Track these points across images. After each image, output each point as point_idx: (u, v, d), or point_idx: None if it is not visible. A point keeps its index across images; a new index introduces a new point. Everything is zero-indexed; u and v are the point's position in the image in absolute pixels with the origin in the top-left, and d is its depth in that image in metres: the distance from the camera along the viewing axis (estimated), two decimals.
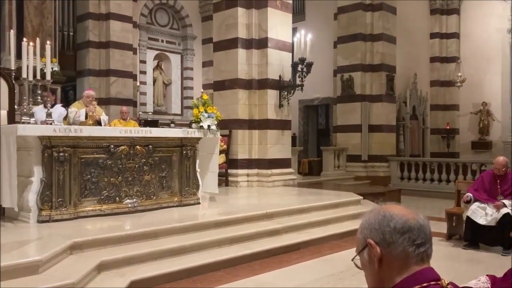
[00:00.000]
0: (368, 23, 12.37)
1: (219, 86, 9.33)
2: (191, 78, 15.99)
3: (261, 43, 8.97)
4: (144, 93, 14.64)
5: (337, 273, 4.43)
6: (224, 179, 8.65)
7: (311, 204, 6.65)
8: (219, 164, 7.18)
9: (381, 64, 12.30)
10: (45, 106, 5.26)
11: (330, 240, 5.81)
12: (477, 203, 5.64)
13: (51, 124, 5.00)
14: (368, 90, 12.39)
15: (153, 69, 15.28)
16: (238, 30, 8.86)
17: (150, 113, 13.92)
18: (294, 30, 10.32)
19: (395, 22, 12.75)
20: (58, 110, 6.96)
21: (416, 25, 15.14)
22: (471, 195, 5.66)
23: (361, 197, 7.54)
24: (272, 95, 9.00)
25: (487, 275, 2.11)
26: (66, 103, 10.64)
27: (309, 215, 6.29)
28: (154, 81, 15.31)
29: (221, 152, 8.04)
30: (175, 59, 15.82)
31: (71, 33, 12.42)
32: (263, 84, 8.95)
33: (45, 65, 9.05)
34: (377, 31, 12.32)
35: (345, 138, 12.55)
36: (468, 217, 5.64)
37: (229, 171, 8.80)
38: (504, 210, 5.39)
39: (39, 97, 7.31)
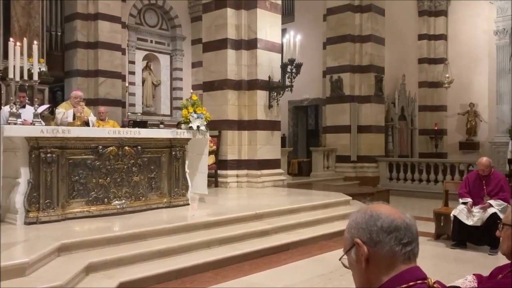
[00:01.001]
0: (357, 25, 12.44)
1: (208, 86, 9.31)
2: (181, 79, 15.97)
3: (251, 44, 8.97)
4: (133, 94, 14.58)
5: (327, 273, 4.45)
6: (213, 180, 8.63)
7: (301, 205, 6.66)
8: (208, 165, 7.17)
9: (370, 65, 12.38)
10: (10, 107, 5.17)
11: (320, 241, 5.83)
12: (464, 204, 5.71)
13: (37, 125, 4.95)
14: (357, 91, 12.45)
15: (142, 70, 15.22)
16: (227, 30, 8.85)
17: (139, 114, 13.84)
18: (284, 31, 10.34)
19: (383, 23, 12.83)
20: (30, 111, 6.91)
21: (405, 27, 15.26)
22: (470, 200, 5.66)
23: (350, 198, 7.57)
24: (261, 96, 9.00)
25: (473, 274, 2.14)
26: (54, 104, 10.56)
27: (298, 216, 6.31)
28: (143, 81, 15.26)
29: (210, 153, 8.02)
30: (164, 59, 15.77)
31: (59, 33, 12.32)
32: (253, 85, 8.95)
33: (32, 65, 9.14)
34: (366, 33, 12.39)
35: (334, 139, 12.60)
36: (455, 217, 5.69)
37: (219, 172, 8.78)
38: (491, 210, 5.46)
39: (22, 98, 7.25)
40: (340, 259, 1.21)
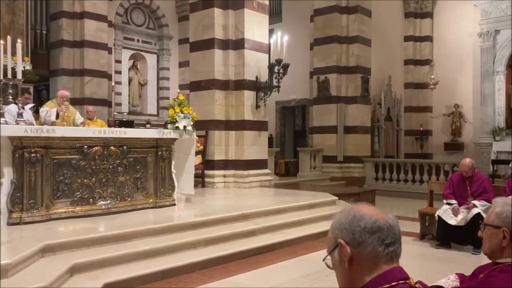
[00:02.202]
0: (344, 26, 12.51)
1: (195, 86, 9.29)
2: (167, 79, 15.90)
3: (238, 44, 8.97)
4: (119, 93, 14.48)
5: (312, 273, 4.47)
6: (200, 180, 8.61)
7: (287, 205, 6.68)
8: (195, 165, 7.15)
9: (356, 66, 12.46)
10: (19, 108, 5.14)
11: (306, 241, 5.85)
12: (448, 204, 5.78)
13: (21, 124, 4.89)
14: (344, 92, 12.52)
15: (129, 69, 15.13)
16: (214, 30, 8.84)
17: (126, 114, 13.78)
18: (271, 31, 10.36)
19: (370, 24, 12.93)
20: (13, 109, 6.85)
21: (391, 28, 15.40)
22: (456, 204, 5.72)
23: (337, 198, 7.61)
24: (248, 96, 9.01)
25: (456, 274, 2.17)
26: (39, 103, 10.42)
27: (285, 216, 6.32)
28: (130, 81, 15.17)
29: (197, 153, 8.00)
30: (151, 59, 15.70)
31: (44, 32, 12.19)
32: (240, 85, 8.95)
33: (16, 64, 9.05)
34: (352, 34, 12.47)
35: (321, 139, 12.66)
36: (439, 217, 5.76)
37: (206, 172, 8.77)
38: (475, 210, 5.53)
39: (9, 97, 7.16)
40: (323, 260, 1.22)
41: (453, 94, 15.47)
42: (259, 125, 9.20)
